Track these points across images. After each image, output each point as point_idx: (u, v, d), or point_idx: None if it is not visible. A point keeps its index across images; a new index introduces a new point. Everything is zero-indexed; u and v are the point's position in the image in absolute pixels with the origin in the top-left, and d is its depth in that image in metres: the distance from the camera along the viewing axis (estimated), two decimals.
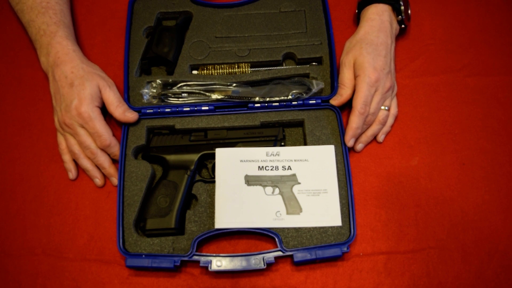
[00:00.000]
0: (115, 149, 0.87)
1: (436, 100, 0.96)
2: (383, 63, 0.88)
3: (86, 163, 0.87)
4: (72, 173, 0.89)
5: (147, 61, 0.94)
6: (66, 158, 0.89)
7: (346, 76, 0.90)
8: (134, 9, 0.99)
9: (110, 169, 0.88)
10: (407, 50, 1.00)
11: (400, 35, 0.99)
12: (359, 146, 0.90)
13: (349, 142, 0.87)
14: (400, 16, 0.93)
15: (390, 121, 0.91)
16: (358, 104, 0.86)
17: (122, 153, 0.87)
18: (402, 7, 0.92)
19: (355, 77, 0.89)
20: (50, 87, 0.89)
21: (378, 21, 0.91)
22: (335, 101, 0.90)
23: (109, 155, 0.89)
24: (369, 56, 0.88)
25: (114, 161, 0.89)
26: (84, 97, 0.84)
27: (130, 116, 0.88)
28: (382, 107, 0.89)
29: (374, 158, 0.91)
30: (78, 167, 0.90)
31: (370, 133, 0.90)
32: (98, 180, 0.88)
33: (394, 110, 0.92)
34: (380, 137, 0.91)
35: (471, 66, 0.99)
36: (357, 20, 0.98)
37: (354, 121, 0.87)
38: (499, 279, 0.82)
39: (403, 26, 0.95)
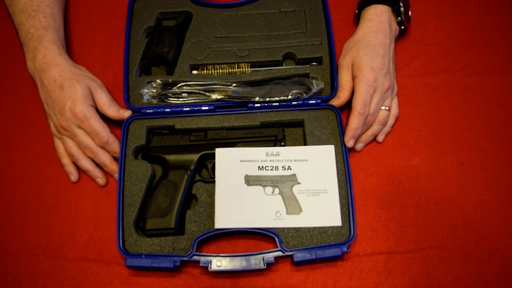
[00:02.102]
0: (114, 146, 0.87)
1: (436, 100, 0.96)
2: (381, 63, 0.88)
3: (86, 164, 0.87)
4: (74, 176, 0.89)
5: (147, 61, 0.94)
6: (66, 161, 0.89)
7: (344, 78, 0.90)
8: (134, 9, 0.99)
9: (112, 166, 0.88)
10: (407, 50, 1.00)
11: (400, 35, 0.99)
12: (359, 146, 0.90)
13: (349, 143, 0.87)
14: (399, 17, 0.93)
15: (390, 121, 0.91)
16: (357, 105, 0.86)
17: (122, 153, 0.87)
18: (402, 8, 0.92)
19: (354, 78, 0.89)
20: (40, 93, 0.89)
21: (376, 22, 0.91)
22: (334, 103, 0.91)
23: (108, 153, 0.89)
24: (366, 57, 0.88)
25: (114, 158, 0.89)
26: (77, 97, 0.84)
27: (124, 113, 0.89)
28: (383, 107, 0.89)
29: (374, 158, 0.91)
30: (79, 169, 0.90)
31: (370, 133, 0.90)
32: (100, 180, 0.88)
33: (394, 110, 0.92)
34: (380, 137, 0.91)
35: (471, 66, 0.99)
36: (357, 21, 0.98)
37: (354, 122, 0.86)
38: (499, 279, 0.82)
39: (402, 27, 0.95)
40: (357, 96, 0.87)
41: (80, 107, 0.84)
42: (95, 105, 0.88)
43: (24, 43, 0.91)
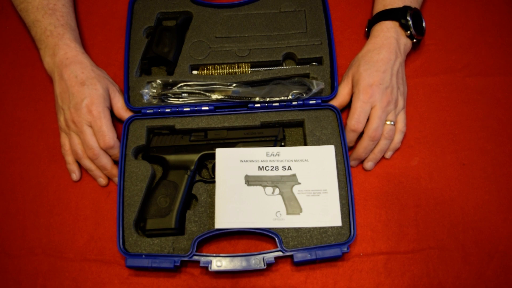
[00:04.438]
0: (117, 152, 0.88)
1: (436, 100, 0.96)
2: (380, 78, 0.88)
3: (89, 163, 0.87)
4: (76, 174, 0.89)
5: (147, 61, 0.94)
6: (70, 159, 0.89)
7: (340, 91, 0.92)
8: (134, 9, 0.99)
9: (113, 170, 0.88)
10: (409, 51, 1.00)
11: (414, 48, 0.98)
12: (368, 165, 0.89)
13: (351, 162, 0.90)
14: (408, 32, 0.92)
15: (398, 137, 0.90)
16: (349, 121, 0.88)
17: (122, 153, 0.87)
18: (410, 22, 0.91)
19: (353, 94, 0.90)
20: (55, 87, 0.89)
21: (382, 38, 0.91)
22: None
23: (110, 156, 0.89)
24: (365, 73, 0.88)
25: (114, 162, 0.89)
26: (96, 96, 0.86)
27: None
28: (388, 122, 0.88)
29: None
30: (81, 168, 0.90)
31: (378, 149, 0.89)
32: (102, 180, 0.88)
33: (401, 125, 0.90)
34: (388, 154, 0.90)
35: (471, 66, 0.99)
36: (367, 38, 0.97)
37: (347, 136, 0.88)
38: (499, 279, 0.82)
39: (415, 40, 0.94)
40: (351, 112, 0.88)
41: (97, 106, 0.85)
42: (110, 108, 0.90)
43: (41, 40, 0.91)
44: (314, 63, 0.95)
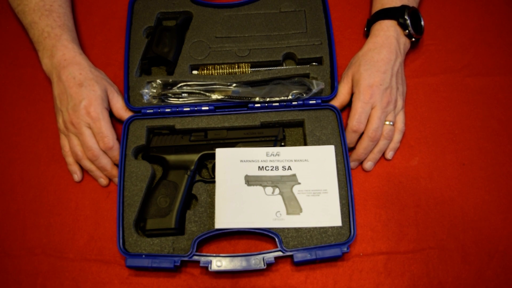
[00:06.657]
0: (117, 153, 0.87)
1: (436, 100, 0.96)
2: (381, 79, 0.88)
3: (89, 164, 0.87)
4: (78, 175, 0.89)
5: (147, 61, 0.94)
6: (70, 160, 0.89)
7: (340, 91, 0.92)
8: (134, 9, 0.99)
9: (113, 171, 0.88)
10: (407, 50, 1.00)
11: (413, 48, 0.98)
12: (368, 165, 0.89)
13: (351, 164, 0.89)
14: (407, 31, 0.92)
15: (397, 136, 0.90)
16: (350, 122, 0.88)
17: (122, 153, 0.87)
18: (408, 21, 0.91)
19: (353, 93, 0.90)
20: (54, 88, 0.89)
21: (382, 37, 0.91)
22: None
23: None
24: (365, 73, 0.88)
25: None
26: (95, 98, 0.85)
27: None
28: (386, 122, 0.88)
29: None
30: (83, 169, 0.90)
31: (377, 149, 0.89)
32: (103, 180, 0.88)
33: (400, 125, 0.90)
34: (388, 154, 0.90)
35: (471, 66, 0.99)
36: (366, 38, 0.97)
37: (348, 137, 0.88)
38: (499, 279, 0.82)
39: (413, 39, 0.94)
40: (352, 113, 0.88)
41: (95, 107, 0.85)
42: (109, 109, 0.89)
43: (39, 42, 0.91)
44: (314, 63, 0.95)
